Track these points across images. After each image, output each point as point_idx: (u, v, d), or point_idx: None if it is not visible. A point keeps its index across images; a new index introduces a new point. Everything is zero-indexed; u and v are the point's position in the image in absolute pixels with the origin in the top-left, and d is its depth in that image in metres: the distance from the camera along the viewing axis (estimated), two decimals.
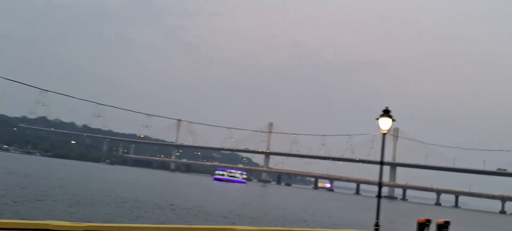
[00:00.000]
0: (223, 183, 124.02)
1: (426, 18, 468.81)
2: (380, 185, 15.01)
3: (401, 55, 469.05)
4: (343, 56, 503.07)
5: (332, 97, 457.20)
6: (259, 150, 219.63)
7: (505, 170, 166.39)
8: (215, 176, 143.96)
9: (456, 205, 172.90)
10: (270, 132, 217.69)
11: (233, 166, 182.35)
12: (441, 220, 12.58)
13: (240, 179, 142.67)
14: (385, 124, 13.80)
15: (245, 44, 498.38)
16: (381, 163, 14.36)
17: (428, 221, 13.02)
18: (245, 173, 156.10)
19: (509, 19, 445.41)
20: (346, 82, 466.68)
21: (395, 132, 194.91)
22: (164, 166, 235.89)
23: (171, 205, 33.13)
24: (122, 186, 50.49)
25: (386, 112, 13.98)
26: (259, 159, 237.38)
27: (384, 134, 14.16)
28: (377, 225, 13.07)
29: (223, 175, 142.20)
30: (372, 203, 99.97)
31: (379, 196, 13.48)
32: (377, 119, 14.03)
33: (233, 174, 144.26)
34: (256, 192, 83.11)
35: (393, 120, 13.97)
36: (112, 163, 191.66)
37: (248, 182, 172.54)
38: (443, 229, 12.48)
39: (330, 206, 62.84)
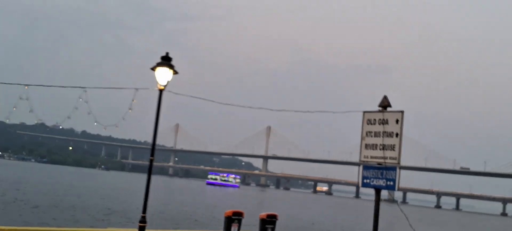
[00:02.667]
0: (216, 187, 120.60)
1: (428, 19, 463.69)
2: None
3: (403, 57, 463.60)
4: (345, 59, 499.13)
5: (333, 100, 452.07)
6: (258, 154, 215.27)
7: (468, 168, 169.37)
8: (207, 181, 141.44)
9: (457, 207, 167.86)
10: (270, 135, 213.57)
11: (226, 170, 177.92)
12: (264, 213, 9.15)
13: (233, 183, 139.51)
14: (163, 75, 9.08)
15: (246, 48, 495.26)
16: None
17: (270, 216, 9.10)
18: (238, 177, 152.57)
19: (509, 20, 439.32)
20: (348, 85, 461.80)
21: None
22: (162, 171, 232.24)
23: (85, 208, 27.99)
24: (68, 189, 45.44)
25: (166, 60, 9.25)
26: (259, 163, 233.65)
27: (161, 91, 9.21)
28: None
29: (216, 179, 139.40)
30: (370, 207, 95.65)
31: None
32: (153, 68, 9.12)
33: (226, 178, 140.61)
34: (241, 195, 77.91)
35: (175, 72, 9.29)
36: (107, 169, 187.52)
37: (246, 187, 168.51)
38: (267, 225, 8.97)
39: (312, 210, 57.15)
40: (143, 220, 8.67)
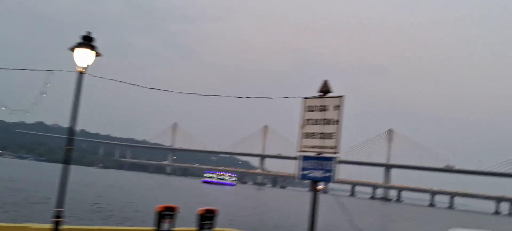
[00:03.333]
0: (212, 186, 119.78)
1: (424, 22, 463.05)
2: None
3: (400, 58, 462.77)
4: (344, 61, 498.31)
5: None
6: (254, 153, 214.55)
7: (453, 166, 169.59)
8: (203, 179, 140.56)
9: (451, 206, 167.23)
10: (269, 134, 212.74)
11: (223, 169, 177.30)
12: (202, 208, 8.29)
13: (229, 182, 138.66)
14: (83, 57, 8.23)
15: (246, 49, 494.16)
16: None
17: (209, 211, 8.30)
18: (234, 175, 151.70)
19: (504, 22, 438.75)
20: (346, 85, 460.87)
21: (389, 133, 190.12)
22: (160, 170, 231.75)
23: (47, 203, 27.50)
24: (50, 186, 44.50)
25: (87, 40, 8.36)
26: (256, 162, 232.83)
27: (81, 73, 8.33)
28: None
29: (211, 177, 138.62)
30: (364, 206, 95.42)
31: None
32: (72, 49, 8.26)
33: (222, 177, 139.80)
34: (230, 193, 77.15)
35: (98, 54, 8.43)
36: (105, 167, 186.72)
37: (243, 185, 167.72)
38: (205, 221, 8.20)
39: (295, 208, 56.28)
40: (58, 215, 7.89)
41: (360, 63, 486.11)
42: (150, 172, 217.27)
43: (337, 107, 7.10)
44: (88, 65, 8.35)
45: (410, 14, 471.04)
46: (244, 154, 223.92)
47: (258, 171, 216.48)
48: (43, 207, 25.98)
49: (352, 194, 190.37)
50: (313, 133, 7.33)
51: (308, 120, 7.45)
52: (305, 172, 7.36)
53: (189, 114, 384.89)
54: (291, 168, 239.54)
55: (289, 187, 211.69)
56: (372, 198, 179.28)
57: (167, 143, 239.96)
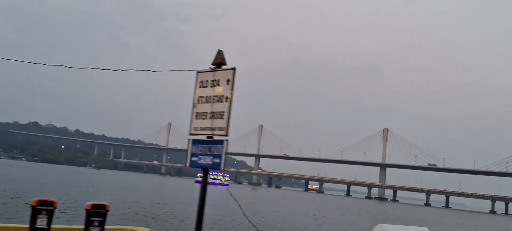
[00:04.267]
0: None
1: (418, 19, 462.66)
2: None
3: (396, 57, 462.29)
4: (339, 59, 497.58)
5: (327, 100, 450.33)
6: (250, 153, 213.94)
7: (435, 165, 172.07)
8: (196, 179, 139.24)
9: (447, 205, 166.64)
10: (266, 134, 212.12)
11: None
12: (90, 203, 7.30)
13: (223, 182, 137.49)
14: None
15: (241, 47, 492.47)
16: None
17: (98, 206, 7.20)
18: (228, 175, 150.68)
19: (498, 19, 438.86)
20: (342, 84, 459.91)
21: (385, 133, 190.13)
22: (155, 170, 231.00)
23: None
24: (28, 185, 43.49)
25: None
26: (252, 162, 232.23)
27: None
28: None
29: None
30: (356, 205, 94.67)
31: None
32: None
33: (215, 176, 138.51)
34: (221, 193, 75.91)
35: None
36: (98, 167, 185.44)
37: (238, 185, 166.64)
38: (93, 217, 7.16)
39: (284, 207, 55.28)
40: None
41: (354, 62, 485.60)
42: (145, 172, 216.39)
43: (229, 82, 6.02)
44: None
45: (404, 15, 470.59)
46: (239, 153, 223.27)
47: (253, 171, 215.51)
48: None
49: (348, 193, 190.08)
50: (204, 113, 6.25)
51: (200, 97, 6.38)
52: (194, 159, 6.28)
53: (184, 114, 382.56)
54: (287, 168, 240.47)
55: (284, 187, 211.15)
56: (368, 197, 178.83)
57: (162, 143, 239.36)
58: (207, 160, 6.07)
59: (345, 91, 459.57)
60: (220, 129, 5.97)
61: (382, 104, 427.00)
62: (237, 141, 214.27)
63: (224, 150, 5.91)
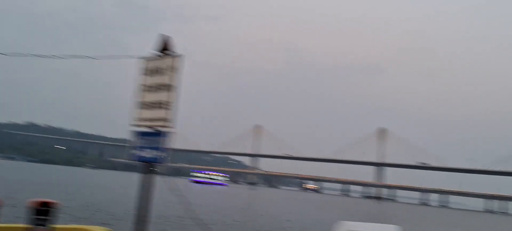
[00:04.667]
0: (203, 185, 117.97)
1: (419, 18, 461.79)
2: None
3: (396, 56, 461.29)
4: (337, 58, 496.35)
5: (327, 100, 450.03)
6: (247, 152, 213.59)
7: (427, 164, 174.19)
8: (193, 179, 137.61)
9: (445, 204, 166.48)
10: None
11: (212, 168, 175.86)
12: (36, 200, 6.62)
13: (222, 182, 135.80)
14: None
15: (240, 48, 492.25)
16: None
17: (44, 204, 6.66)
18: (227, 175, 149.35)
19: (499, 17, 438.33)
20: (341, 84, 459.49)
21: (382, 132, 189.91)
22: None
23: None
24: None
25: None
26: (249, 162, 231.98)
27: None
28: None
29: (201, 177, 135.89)
30: (351, 204, 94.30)
31: None
32: None
33: (214, 176, 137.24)
34: (220, 194, 75.54)
35: None
36: (96, 167, 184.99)
37: (236, 185, 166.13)
38: (40, 215, 6.58)
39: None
40: None
41: (354, 61, 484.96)
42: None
43: (174, 69, 5.57)
44: None
45: (405, 13, 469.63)
46: (236, 153, 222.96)
47: (250, 170, 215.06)
48: None
49: (346, 193, 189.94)
50: (148, 103, 5.80)
51: (144, 85, 5.93)
52: (136, 152, 5.83)
53: (186, 115, 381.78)
54: (286, 168, 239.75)
55: (282, 187, 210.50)
56: (365, 197, 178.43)
57: None
58: (149, 154, 5.63)
59: (344, 90, 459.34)
60: (164, 120, 5.54)
61: (382, 104, 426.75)
62: (235, 140, 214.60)
63: (169, 143, 5.48)
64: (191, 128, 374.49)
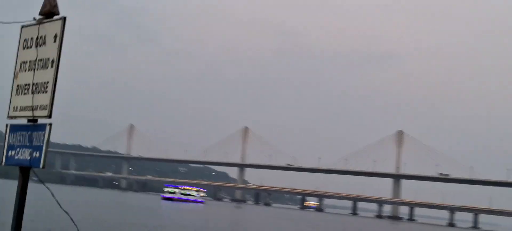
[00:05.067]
0: (175, 203, 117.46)
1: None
2: None
3: (416, 44, 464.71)
4: (345, 46, 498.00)
5: (326, 96, 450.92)
6: (232, 162, 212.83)
7: (448, 175, 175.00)
8: (163, 195, 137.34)
9: (475, 225, 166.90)
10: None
11: (190, 182, 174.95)
12: None
13: (197, 198, 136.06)
14: None
15: (223, 32, 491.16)
16: None
17: None
18: (204, 190, 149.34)
19: None
20: (346, 76, 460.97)
21: (399, 135, 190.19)
22: (113, 184, 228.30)
23: None
24: None
25: None
26: (235, 173, 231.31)
27: None
28: None
29: (173, 193, 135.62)
30: (362, 225, 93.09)
31: None
32: None
33: (187, 191, 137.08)
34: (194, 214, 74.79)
35: None
36: (40, 181, 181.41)
37: (217, 202, 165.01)
38: None
39: None
40: None
41: (363, 49, 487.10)
42: (100, 187, 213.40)
43: (56, 38, 5.11)
44: None
45: None
46: (218, 163, 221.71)
47: (237, 184, 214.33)
48: None
49: (354, 211, 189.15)
50: (26, 85, 5.34)
51: (23, 62, 5.47)
52: (12, 153, 5.36)
53: (148, 114, 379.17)
54: (278, 180, 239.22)
55: (275, 204, 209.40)
56: (379, 216, 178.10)
57: (122, 150, 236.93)
58: (25, 155, 5.15)
59: (349, 84, 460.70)
60: (41, 108, 5.07)
61: (396, 101, 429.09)
62: (217, 146, 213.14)
63: (45, 139, 5.00)
64: (163, 131, 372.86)
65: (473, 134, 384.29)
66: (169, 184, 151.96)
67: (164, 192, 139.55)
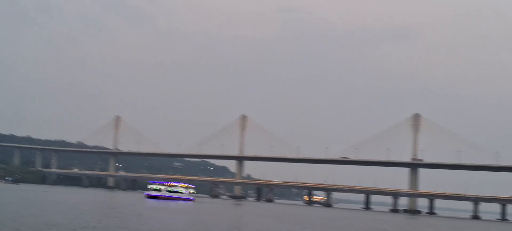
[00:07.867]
0: (160, 201, 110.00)
1: None
2: None
3: (433, 18, 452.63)
4: (353, 21, 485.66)
5: (336, 77, 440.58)
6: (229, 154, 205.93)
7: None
8: (147, 192, 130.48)
9: (503, 217, 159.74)
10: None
11: (184, 179, 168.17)
12: None
13: (185, 196, 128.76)
14: None
15: (219, 12, 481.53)
16: None
17: None
18: (192, 186, 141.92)
19: None
20: (357, 56, 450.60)
21: (416, 119, 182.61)
22: (99, 183, 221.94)
23: None
24: None
25: None
26: (234, 167, 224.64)
27: None
28: None
29: (159, 190, 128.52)
30: (376, 221, 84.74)
31: None
32: None
33: (174, 188, 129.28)
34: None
35: None
36: (16, 181, 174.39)
37: (214, 200, 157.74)
38: None
39: None
40: None
41: (376, 24, 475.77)
42: (85, 186, 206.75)
43: None
44: None
45: None
46: (215, 156, 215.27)
47: (235, 179, 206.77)
48: None
49: (367, 206, 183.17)
50: None
51: None
52: None
53: (142, 106, 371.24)
54: (282, 173, 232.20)
55: (277, 200, 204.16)
56: (394, 210, 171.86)
57: (109, 144, 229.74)
58: None
59: (361, 65, 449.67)
60: None
61: (412, 83, 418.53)
62: (213, 138, 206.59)
63: None
64: (153, 123, 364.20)
65: (499, 117, 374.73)
66: (154, 181, 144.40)
67: (148, 189, 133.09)
